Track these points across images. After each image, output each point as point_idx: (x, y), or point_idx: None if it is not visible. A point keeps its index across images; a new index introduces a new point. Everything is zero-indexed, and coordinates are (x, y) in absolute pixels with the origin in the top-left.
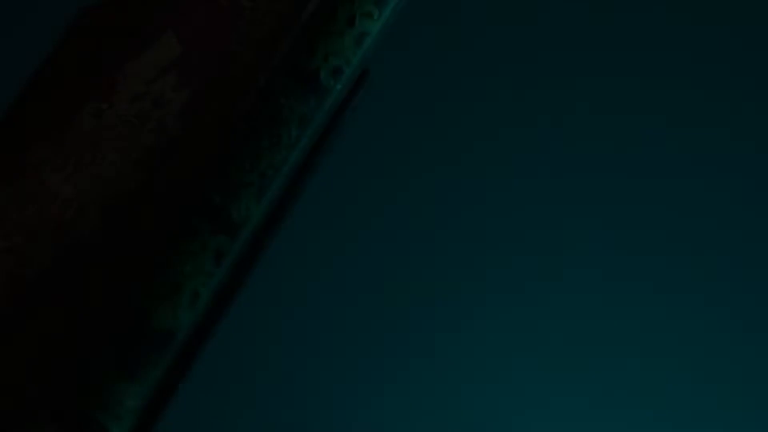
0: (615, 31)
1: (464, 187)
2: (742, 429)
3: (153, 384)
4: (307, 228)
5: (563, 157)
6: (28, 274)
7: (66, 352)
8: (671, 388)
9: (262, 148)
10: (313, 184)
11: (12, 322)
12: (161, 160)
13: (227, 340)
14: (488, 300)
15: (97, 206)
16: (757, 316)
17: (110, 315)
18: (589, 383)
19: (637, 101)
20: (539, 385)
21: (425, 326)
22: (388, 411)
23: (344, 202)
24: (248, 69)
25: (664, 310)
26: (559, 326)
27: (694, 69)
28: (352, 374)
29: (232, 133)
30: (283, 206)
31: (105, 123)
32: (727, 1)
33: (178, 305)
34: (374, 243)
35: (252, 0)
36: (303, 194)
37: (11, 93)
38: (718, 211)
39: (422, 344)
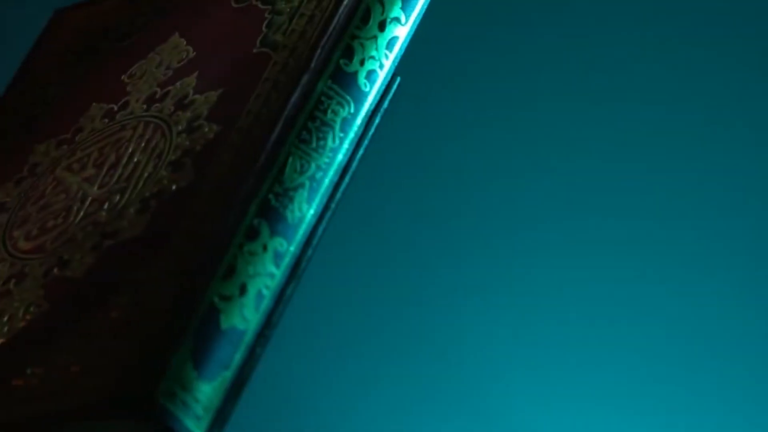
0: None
1: (472, 186)
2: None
3: (226, 384)
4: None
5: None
6: (70, 274)
7: (144, 348)
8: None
9: (310, 150)
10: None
11: (65, 321)
12: (203, 161)
13: None
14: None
15: (136, 206)
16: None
17: (179, 312)
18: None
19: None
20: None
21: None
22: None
23: (361, 204)
24: (283, 70)
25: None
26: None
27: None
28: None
29: (279, 134)
30: (327, 209)
31: (121, 124)
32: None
33: (245, 306)
34: (383, 244)
35: (270, 3)
36: (344, 198)
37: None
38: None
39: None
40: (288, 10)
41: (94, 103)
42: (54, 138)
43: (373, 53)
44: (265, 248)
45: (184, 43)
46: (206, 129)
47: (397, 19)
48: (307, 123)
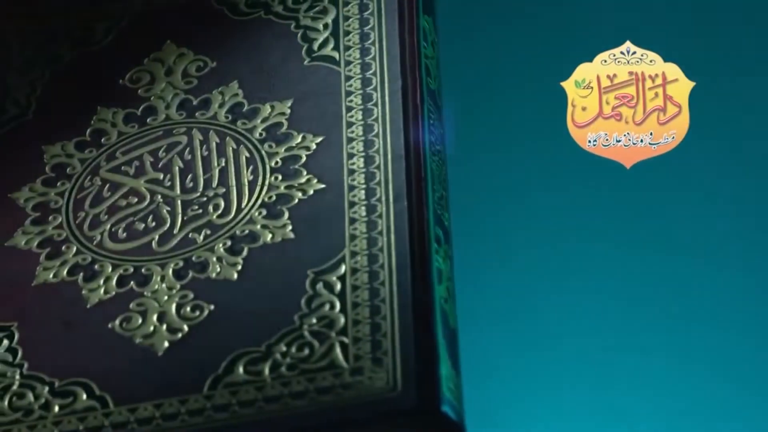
0: None
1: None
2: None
3: (461, 380)
4: None
5: None
6: (217, 276)
7: (411, 350)
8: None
9: (439, 163)
10: None
11: (255, 320)
12: (318, 169)
13: None
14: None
15: (260, 211)
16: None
17: (427, 316)
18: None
19: None
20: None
21: None
22: None
23: None
24: (365, 85)
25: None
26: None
27: None
28: None
29: (422, 146)
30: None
31: (163, 129)
32: None
33: (453, 307)
34: None
35: (286, 18)
36: None
37: None
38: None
39: None
40: (322, 27)
41: (99, 107)
42: (67, 140)
43: (435, 72)
44: (446, 254)
45: (192, 52)
46: (299, 138)
47: (435, 42)
48: (430, 137)
